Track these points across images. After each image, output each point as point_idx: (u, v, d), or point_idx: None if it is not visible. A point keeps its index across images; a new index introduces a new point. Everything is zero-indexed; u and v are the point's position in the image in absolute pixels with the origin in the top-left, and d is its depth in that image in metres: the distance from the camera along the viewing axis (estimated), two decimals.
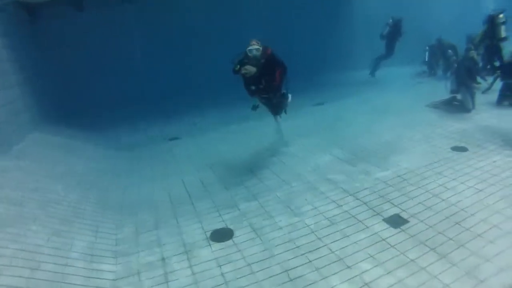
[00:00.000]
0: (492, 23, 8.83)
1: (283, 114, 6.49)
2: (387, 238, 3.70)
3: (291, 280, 3.25)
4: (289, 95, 6.26)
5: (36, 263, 3.31)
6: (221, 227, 4.25)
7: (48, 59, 8.44)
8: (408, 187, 4.66)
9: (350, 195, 4.64)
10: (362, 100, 9.40)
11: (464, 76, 7.83)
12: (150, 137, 8.20)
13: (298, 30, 11.90)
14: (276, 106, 6.06)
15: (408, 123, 7.10)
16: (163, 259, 3.73)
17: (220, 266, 3.54)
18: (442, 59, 11.33)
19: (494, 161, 5.13)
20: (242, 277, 3.35)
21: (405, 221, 3.94)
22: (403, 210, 4.15)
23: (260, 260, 3.56)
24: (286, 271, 3.37)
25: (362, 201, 4.45)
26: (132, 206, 4.97)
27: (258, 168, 5.84)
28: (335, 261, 3.44)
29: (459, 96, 7.84)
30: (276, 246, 3.77)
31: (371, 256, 3.45)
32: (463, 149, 5.63)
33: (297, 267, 3.41)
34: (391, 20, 11.04)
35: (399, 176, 4.99)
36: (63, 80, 8.73)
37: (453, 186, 4.56)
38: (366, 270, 3.27)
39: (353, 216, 4.16)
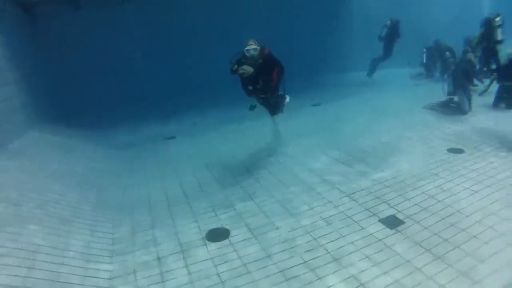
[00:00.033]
0: (488, 26, 8.91)
1: (280, 114, 6.50)
2: (383, 239, 3.71)
3: (286, 280, 3.25)
4: (287, 96, 6.27)
5: (33, 262, 3.30)
6: (217, 226, 4.25)
7: (46, 58, 8.43)
8: (404, 189, 4.67)
9: (346, 195, 4.65)
10: (360, 101, 9.42)
11: (461, 78, 7.87)
12: (148, 136, 8.19)
13: (297, 30, 11.90)
14: (274, 106, 6.07)
15: (405, 124, 7.12)
16: (159, 258, 3.73)
17: (216, 265, 3.54)
18: (439, 61, 11.38)
19: (490, 163, 5.15)
20: (238, 276, 3.35)
21: (401, 222, 3.95)
22: (399, 211, 4.16)
23: (256, 260, 3.57)
24: (281, 271, 3.38)
25: (358, 202, 4.46)
26: (129, 206, 4.97)
27: (255, 168, 5.84)
28: (330, 262, 3.44)
29: (456, 98, 7.87)
30: (272, 246, 3.77)
31: (367, 257, 3.46)
32: (459, 151, 5.65)
33: (292, 267, 3.42)
34: (389, 22, 11.08)
35: (395, 177, 5.00)
36: (62, 79, 8.71)
37: (449, 188, 4.57)
38: (362, 271, 3.27)
39: (349, 217, 4.17)
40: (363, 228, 3.92)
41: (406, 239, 3.66)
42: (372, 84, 11.29)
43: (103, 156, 6.87)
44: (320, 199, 4.62)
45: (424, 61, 11.70)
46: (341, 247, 3.65)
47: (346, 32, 12.90)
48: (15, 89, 6.57)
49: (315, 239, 3.82)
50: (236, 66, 5.16)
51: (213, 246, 3.87)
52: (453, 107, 7.74)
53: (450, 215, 3.99)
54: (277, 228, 4.09)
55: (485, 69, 9.59)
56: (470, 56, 8.59)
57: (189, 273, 3.46)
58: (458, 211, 4.05)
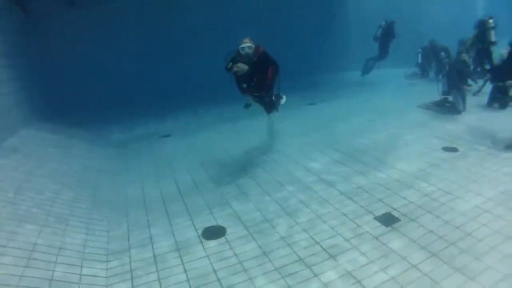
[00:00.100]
0: (482, 27, 9.03)
1: (276, 113, 6.49)
2: (378, 236, 3.72)
3: (283, 277, 3.26)
4: (283, 96, 6.28)
5: (29, 260, 3.28)
6: (213, 224, 4.25)
7: (41, 55, 8.38)
8: (400, 187, 4.70)
9: (342, 194, 4.66)
10: (356, 100, 9.47)
11: (456, 79, 7.93)
12: (144, 135, 8.17)
13: (294, 30, 11.93)
14: (269, 104, 6.07)
15: (400, 123, 7.16)
16: (155, 256, 3.72)
17: (212, 263, 3.53)
18: (434, 61, 11.46)
19: (484, 162, 5.19)
20: (235, 274, 3.35)
21: (396, 220, 3.97)
22: (395, 209, 4.18)
23: (253, 258, 3.57)
24: (278, 268, 3.38)
25: (353, 200, 4.48)
26: (125, 204, 4.95)
27: (250, 166, 5.85)
28: (327, 259, 3.45)
29: (450, 98, 7.93)
30: (269, 243, 3.78)
31: (363, 254, 3.47)
32: (454, 150, 5.70)
33: (289, 264, 3.42)
34: (384, 23, 11.13)
35: (391, 175, 5.02)
36: (57, 77, 8.66)
37: (444, 186, 4.60)
38: (358, 268, 3.29)
39: (344, 215, 4.18)
40: (359, 226, 3.94)
41: (402, 237, 3.68)
42: (367, 83, 11.33)
43: (98, 154, 6.84)
44: (316, 197, 4.64)
45: (420, 61, 11.79)
46: (337, 244, 3.66)
47: (342, 32, 12.95)
48: (10, 86, 6.52)
49: (311, 236, 3.83)
50: (231, 63, 5.15)
51: (209, 244, 3.87)
52: (447, 107, 7.80)
53: (445, 212, 4.01)
54: (273, 226, 4.09)
55: (479, 69, 9.70)
56: (465, 56, 8.66)
57: (186, 271, 3.45)
58: (453, 209, 4.08)
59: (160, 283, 3.31)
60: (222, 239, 3.93)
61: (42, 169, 5.32)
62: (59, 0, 8.83)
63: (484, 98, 8.08)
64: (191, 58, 10.51)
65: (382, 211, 4.16)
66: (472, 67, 9.45)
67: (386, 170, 5.20)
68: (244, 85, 5.48)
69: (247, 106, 6.07)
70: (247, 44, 5.20)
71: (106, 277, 3.42)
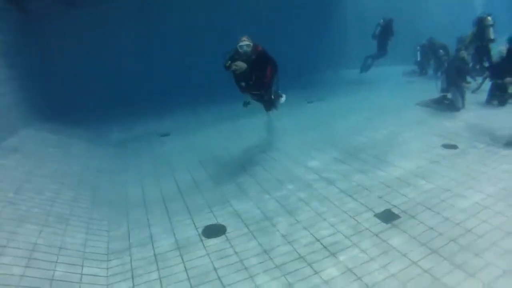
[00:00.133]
0: (481, 25, 9.04)
1: (275, 111, 6.49)
2: (379, 233, 3.73)
3: (283, 275, 3.26)
4: (283, 95, 6.28)
5: (30, 260, 3.27)
6: (213, 223, 4.25)
7: (40, 55, 8.36)
8: (399, 184, 4.70)
9: (341, 191, 4.67)
10: (355, 98, 9.48)
11: (454, 76, 7.94)
12: (143, 134, 8.16)
13: (292, 28, 11.92)
14: (268, 102, 6.07)
15: (399, 121, 7.17)
16: (155, 255, 3.72)
17: (213, 261, 3.54)
18: (433, 59, 11.47)
19: (483, 159, 5.20)
20: (235, 272, 3.35)
21: (396, 217, 3.98)
22: (395, 206, 4.19)
23: (253, 256, 3.57)
24: (278, 266, 3.38)
25: (353, 197, 4.48)
26: (125, 203, 4.95)
27: (249, 165, 5.85)
28: (327, 256, 3.46)
29: (449, 95, 7.93)
30: (269, 241, 3.78)
31: (363, 251, 3.47)
32: (453, 147, 5.70)
33: (289, 261, 3.43)
34: (382, 20, 11.14)
35: (390, 173, 5.03)
36: (56, 76, 8.64)
37: (443, 183, 4.61)
38: (359, 265, 3.29)
39: (345, 212, 4.19)
40: (359, 223, 3.94)
41: (402, 233, 3.68)
42: (366, 81, 11.35)
43: (98, 154, 6.83)
44: (316, 195, 4.64)
45: (418, 59, 11.80)
46: (338, 241, 3.66)
47: (340, 30, 12.96)
48: (9, 86, 6.51)
49: (311, 234, 3.83)
50: (229, 62, 5.14)
51: (209, 242, 3.87)
52: (446, 104, 7.81)
53: (445, 209, 4.02)
54: (274, 224, 4.10)
55: (477, 67, 9.71)
56: (463, 54, 8.68)
57: (186, 269, 3.45)
58: (453, 205, 4.08)
59: (160, 282, 3.31)
60: (222, 238, 3.93)
61: (42, 169, 5.32)
62: (58, 0, 8.80)
63: (483, 95, 8.09)
64: (190, 58, 10.49)
65: (382, 208, 4.17)
66: (471, 65, 9.47)
67: (385, 168, 5.20)
68: (243, 84, 5.48)
69: (246, 104, 6.06)
70: (245, 42, 5.19)
71: (107, 276, 3.42)
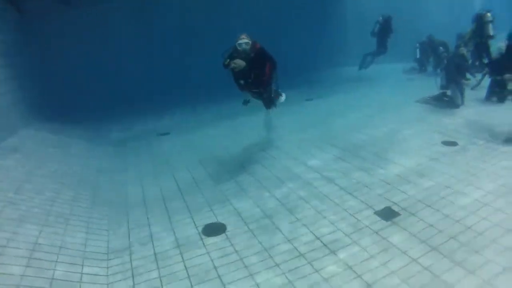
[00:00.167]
0: (480, 21, 9.02)
1: (274, 109, 6.48)
2: (379, 230, 3.73)
3: (284, 273, 3.26)
4: (283, 94, 6.27)
5: (30, 260, 3.27)
6: (213, 221, 4.25)
7: (39, 55, 8.35)
8: (399, 181, 4.70)
9: (341, 189, 4.67)
10: (354, 96, 9.47)
11: (454, 73, 7.93)
12: (142, 133, 8.16)
13: (291, 26, 11.91)
14: (267, 100, 6.06)
15: (399, 118, 7.16)
16: (155, 254, 3.72)
17: (212, 260, 3.54)
18: (432, 56, 11.46)
19: (483, 155, 5.20)
20: (236, 270, 3.35)
21: (396, 214, 3.98)
22: (395, 203, 4.19)
23: (253, 254, 3.57)
24: (278, 264, 3.38)
25: (353, 195, 4.48)
26: (125, 202, 4.95)
27: (249, 163, 5.85)
28: (327, 254, 3.46)
29: (449, 92, 7.92)
30: (269, 239, 3.78)
31: (363, 249, 3.48)
32: (453, 144, 5.70)
33: (289, 260, 3.43)
34: (381, 18, 11.12)
35: (390, 170, 5.03)
36: (55, 76, 8.62)
37: (443, 180, 4.61)
38: (359, 262, 3.29)
39: (345, 210, 4.19)
40: (359, 221, 3.94)
41: (402, 231, 3.69)
42: (365, 79, 11.33)
43: (98, 153, 6.82)
44: (316, 193, 4.64)
45: (418, 56, 11.78)
46: (338, 239, 3.67)
47: (339, 28, 12.93)
48: (7, 86, 6.50)
49: (311, 232, 3.83)
50: (228, 60, 5.13)
51: (209, 240, 3.87)
52: (446, 101, 7.80)
53: (445, 206, 4.02)
54: (273, 222, 4.10)
55: (477, 63, 9.70)
56: (463, 50, 8.67)
57: (186, 268, 3.46)
58: (452, 202, 4.08)
59: (161, 280, 3.32)
60: (222, 236, 3.94)
61: (41, 169, 5.31)
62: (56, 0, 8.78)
63: (483, 92, 8.08)
64: (189, 57, 10.48)
65: (382, 206, 4.17)
66: (470, 61, 9.46)
67: (385, 165, 5.20)
68: (242, 82, 5.47)
69: (245, 102, 6.05)
70: (244, 40, 5.18)
71: (107, 275, 3.42)
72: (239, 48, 5.17)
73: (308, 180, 5.03)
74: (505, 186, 4.30)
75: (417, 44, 11.74)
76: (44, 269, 3.24)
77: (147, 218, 4.48)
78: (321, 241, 3.66)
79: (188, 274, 3.36)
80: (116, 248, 3.86)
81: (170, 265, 3.52)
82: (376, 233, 3.70)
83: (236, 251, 3.64)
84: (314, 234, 3.78)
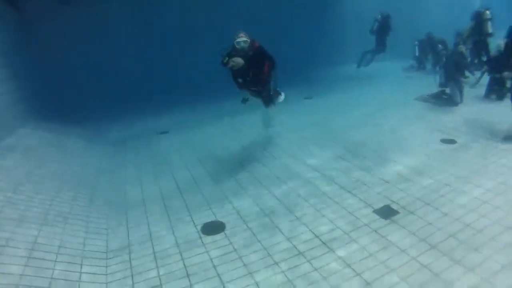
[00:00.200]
0: (479, 19, 9.03)
1: (273, 107, 6.46)
2: (378, 229, 3.73)
3: (283, 271, 3.26)
4: (282, 93, 6.25)
5: (28, 259, 3.27)
6: (212, 220, 4.25)
7: (37, 54, 8.30)
8: (398, 179, 4.71)
9: (341, 187, 4.67)
10: (353, 94, 9.47)
11: (453, 70, 7.94)
12: (141, 132, 8.14)
13: (289, 24, 11.89)
14: (266, 98, 6.04)
15: (398, 116, 7.17)
16: (154, 253, 3.71)
17: (212, 258, 3.53)
18: (431, 54, 11.46)
19: (482, 153, 5.21)
20: (235, 269, 3.35)
21: (395, 212, 3.98)
22: (394, 202, 4.19)
23: (252, 252, 3.57)
24: (277, 263, 3.38)
25: (352, 193, 4.48)
26: (124, 202, 4.94)
27: (248, 162, 5.84)
28: (326, 252, 3.46)
29: (448, 90, 7.93)
30: (268, 238, 3.78)
31: (362, 247, 3.47)
32: (452, 142, 5.71)
33: (288, 258, 3.42)
34: (379, 16, 11.10)
35: (389, 168, 5.03)
36: (53, 76, 8.59)
37: (442, 178, 4.62)
38: (358, 261, 3.29)
39: (343, 208, 4.19)
40: (358, 219, 3.94)
41: (401, 229, 3.69)
42: (364, 77, 11.32)
43: (96, 152, 6.81)
44: (315, 191, 4.64)
45: (417, 54, 11.78)
46: (337, 237, 3.67)
47: (338, 26, 12.92)
48: (6, 86, 6.48)
49: (310, 230, 3.83)
50: (226, 58, 5.12)
51: (209, 239, 3.87)
52: (445, 99, 7.81)
53: (444, 204, 4.02)
54: (273, 221, 4.10)
55: (476, 61, 9.71)
56: (462, 48, 8.67)
57: (186, 266, 3.45)
58: (452, 200, 4.09)
59: (160, 279, 3.31)
60: (221, 235, 3.93)
61: (41, 168, 5.30)
62: None
63: (482, 89, 8.10)
64: (189, 56, 10.44)
65: (381, 204, 4.17)
66: (469, 59, 9.47)
67: (384, 163, 5.20)
68: (240, 80, 5.46)
69: (244, 101, 6.04)
70: (242, 39, 5.17)
71: (106, 274, 3.41)
72: (237, 46, 5.17)
73: (307, 178, 5.03)
74: (504, 184, 4.31)
75: (416, 42, 11.74)
76: (43, 268, 3.23)
77: (146, 217, 4.47)
78: (320, 240, 3.66)
79: (187, 272, 3.36)
80: (115, 247, 3.85)
81: (169, 264, 3.51)
82: (375, 231, 3.70)
83: (235, 250, 3.64)
84: (313, 233, 3.78)
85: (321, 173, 5.14)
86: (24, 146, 5.88)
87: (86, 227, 4.12)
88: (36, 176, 4.99)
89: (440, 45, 10.89)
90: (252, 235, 3.87)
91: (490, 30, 8.96)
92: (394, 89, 9.64)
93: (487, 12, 8.97)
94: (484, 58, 9.01)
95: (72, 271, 3.32)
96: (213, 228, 4.08)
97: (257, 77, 5.43)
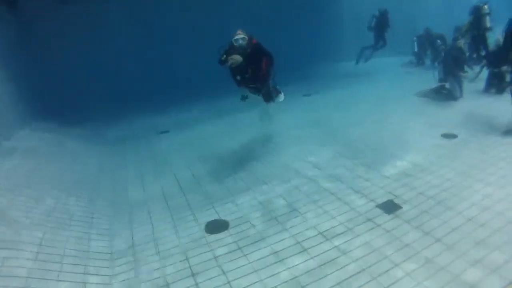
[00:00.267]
0: (477, 13, 9.04)
1: (272, 104, 6.44)
2: (381, 224, 3.74)
3: (287, 268, 3.26)
4: (282, 93, 6.25)
5: (33, 262, 3.26)
6: (215, 218, 4.25)
7: (35, 55, 8.27)
8: (400, 174, 4.72)
9: (343, 183, 4.67)
10: (352, 90, 9.48)
11: (452, 66, 7.95)
12: (141, 132, 8.10)
13: (288, 21, 11.89)
14: (266, 95, 6.02)
15: (398, 112, 7.18)
16: (158, 253, 3.71)
17: (216, 257, 3.53)
18: (430, 49, 11.47)
19: (482, 147, 5.22)
20: (239, 267, 3.35)
21: (398, 207, 3.99)
22: (396, 196, 4.20)
23: (257, 250, 3.57)
24: (281, 260, 3.38)
25: (354, 190, 4.49)
26: (126, 201, 4.93)
27: (249, 159, 5.84)
28: (330, 249, 3.45)
29: (447, 85, 7.95)
30: (272, 235, 3.78)
31: (366, 242, 3.48)
32: (452, 136, 5.72)
33: (292, 256, 3.42)
34: (377, 12, 11.10)
35: (391, 164, 5.03)
36: (52, 76, 8.56)
37: (444, 172, 4.63)
38: (362, 256, 3.30)
39: (346, 204, 4.19)
40: (361, 214, 3.95)
41: (404, 224, 3.69)
42: (363, 73, 11.32)
43: (97, 152, 6.80)
44: (317, 188, 4.64)
45: (416, 50, 11.79)
46: (340, 233, 3.67)
47: (337, 23, 12.92)
48: (4, 87, 6.45)
49: (313, 226, 3.83)
50: (224, 56, 5.12)
51: (212, 237, 3.87)
52: (444, 94, 7.82)
53: (446, 198, 4.03)
54: (275, 217, 4.10)
55: (474, 55, 9.72)
56: (460, 43, 8.68)
57: (190, 266, 3.45)
58: (454, 194, 4.10)
59: (165, 279, 3.31)
60: (225, 233, 3.93)
61: (42, 170, 5.29)
62: None
63: (481, 84, 8.11)
64: (186, 53, 10.44)
65: (384, 199, 4.18)
66: (467, 54, 9.47)
67: (385, 159, 5.21)
68: (238, 78, 5.46)
69: (243, 98, 6.03)
70: (240, 36, 5.16)
71: (110, 275, 3.41)
72: (235, 44, 5.16)
73: (309, 175, 5.03)
74: (505, 178, 4.33)
75: (415, 38, 11.75)
76: (49, 270, 3.22)
77: (149, 216, 4.47)
78: (324, 236, 3.66)
79: (192, 272, 3.36)
80: (119, 248, 3.85)
81: (173, 264, 3.51)
82: (379, 226, 3.71)
83: (240, 248, 3.64)
84: (316, 229, 3.79)
85: (322, 170, 5.14)
86: (24, 147, 5.86)
87: (89, 228, 4.12)
88: (37, 178, 4.98)
89: (439, 41, 10.90)
90: (256, 232, 3.87)
91: (488, 24, 8.97)
92: (393, 85, 9.65)
93: (486, 6, 8.98)
94: (483, 53, 9.02)
95: (77, 273, 3.31)
96: (216, 226, 4.08)
97: (255, 74, 5.42)
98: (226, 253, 3.58)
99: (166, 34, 10.38)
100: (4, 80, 6.57)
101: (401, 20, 11.20)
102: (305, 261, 3.33)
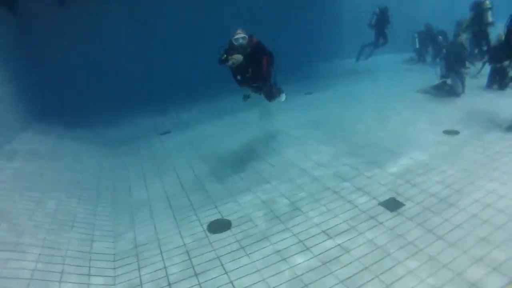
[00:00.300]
0: (479, 9, 8.98)
1: (274, 102, 6.42)
2: (384, 221, 3.73)
3: (290, 267, 3.26)
4: (284, 93, 6.23)
5: (36, 264, 3.27)
6: (218, 218, 4.24)
7: (34, 56, 8.28)
8: (402, 172, 4.70)
9: (345, 181, 4.66)
10: (354, 88, 9.46)
11: (453, 62, 7.92)
12: (143, 132, 8.11)
13: (288, 20, 11.87)
14: (268, 93, 6.00)
15: (400, 109, 7.16)
16: (161, 253, 3.71)
17: (219, 257, 3.53)
18: (431, 45, 11.42)
19: (485, 143, 5.20)
20: (242, 266, 3.35)
21: (401, 205, 3.98)
22: (399, 194, 4.19)
23: (259, 249, 3.56)
24: (284, 259, 3.38)
25: (356, 187, 4.48)
26: (128, 202, 4.94)
27: (252, 159, 5.83)
28: (333, 247, 3.45)
29: (449, 81, 7.92)
30: (275, 234, 3.77)
31: (369, 240, 3.47)
32: (455, 132, 5.70)
33: (295, 254, 3.42)
34: (377, 9, 11.06)
35: (393, 161, 5.02)
36: (52, 78, 8.56)
37: (446, 169, 4.61)
38: (364, 254, 3.29)
39: (349, 202, 4.18)
40: (363, 212, 3.94)
41: (407, 221, 3.68)
42: (364, 71, 11.30)
43: (98, 153, 6.81)
44: (320, 186, 4.63)
45: (417, 46, 11.74)
46: (343, 231, 3.66)
47: (337, 21, 12.88)
48: (4, 89, 6.45)
49: (316, 225, 3.83)
50: (224, 55, 5.09)
51: (215, 237, 3.87)
52: (446, 90, 7.79)
53: (449, 195, 4.02)
54: (278, 217, 4.09)
55: (476, 51, 9.67)
56: (462, 39, 8.64)
57: (193, 266, 3.45)
58: (457, 191, 4.08)
59: (168, 279, 3.31)
60: (227, 232, 3.93)
61: (42, 171, 5.30)
62: (50, 0, 8.71)
63: (483, 80, 8.07)
64: (186, 53, 10.43)
65: (386, 197, 4.17)
66: (469, 50, 9.44)
67: (387, 156, 5.19)
68: (239, 77, 5.43)
69: (245, 98, 6.00)
70: (240, 35, 5.13)
71: (114, 276, 3.42)
72: (235, 43, 5.13)
73: (311, 174, 5.02)
74: (507, 173, 4.30)
75: (415, 34, 11.70)
76: (52, 272, 3.23)
77: (152, 216, 4.47)
78: (327, 234, 3.65)
79: (195, 271, 3.36)
80: (121, 248, 3.85)
81: (176, 264, 3.51)
82: (382, 224, 3.70)
83: (242, 247, 3.63)
84: (320, 227, 3.78)
85: (324, 168, 5.13)
86: (25, 150, 5.88)
87: (92, 229, 4.12)
88: (39, 180, 4.99)
89: (440, 37, 10.86)
90: (258, 232, 3.87)
91: (490, 19, 8.91)
92: (395, 82, 9.64)
93: (487, 1, 8.92)
94: (485, 48, 8.98)
95: (81, 274, 3.32)
96: (219, 226, 4.07)
97: (256, 73, 5.39)
98: (229, 253, 3.57)
99: (166, 34, 10.37)
100: (4, 81, 6.58)
101: (401, 17, 11.13)
102: (308, 259, 3.33)
